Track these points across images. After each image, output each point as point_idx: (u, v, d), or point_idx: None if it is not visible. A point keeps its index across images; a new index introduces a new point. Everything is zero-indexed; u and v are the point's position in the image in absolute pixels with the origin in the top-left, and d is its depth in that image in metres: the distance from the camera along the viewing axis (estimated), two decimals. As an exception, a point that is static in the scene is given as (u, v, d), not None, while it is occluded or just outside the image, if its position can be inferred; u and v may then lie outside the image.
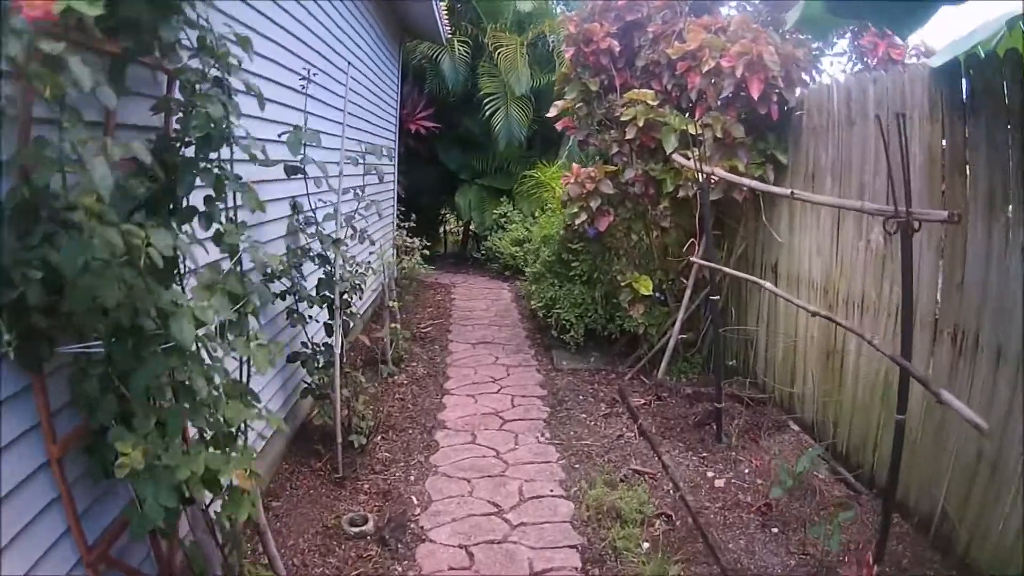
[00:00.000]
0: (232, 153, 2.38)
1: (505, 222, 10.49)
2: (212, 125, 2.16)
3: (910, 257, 2.68)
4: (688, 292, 5.43)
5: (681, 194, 5.20)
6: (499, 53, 10.06)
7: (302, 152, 3.41)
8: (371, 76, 7.54)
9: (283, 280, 3.69)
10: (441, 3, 8.98)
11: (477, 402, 5.35)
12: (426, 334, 7.48)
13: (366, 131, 7.27)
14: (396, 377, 5.85)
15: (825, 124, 4.42)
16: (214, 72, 2.27)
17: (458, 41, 10.39)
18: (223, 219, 2.39)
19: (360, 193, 4.42)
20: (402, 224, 8.57)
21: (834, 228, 4.25)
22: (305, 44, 4.54)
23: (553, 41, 10.15)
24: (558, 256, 6.83)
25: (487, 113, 10.28)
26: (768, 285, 3.96)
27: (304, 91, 3.92)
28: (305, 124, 3.55)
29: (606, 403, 5.30)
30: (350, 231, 4.34)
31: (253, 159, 2.37)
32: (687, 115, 5.23)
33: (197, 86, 2.20)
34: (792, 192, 3.68)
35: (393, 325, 6.29)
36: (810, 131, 4.65)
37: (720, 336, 4.62)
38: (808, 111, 4.68)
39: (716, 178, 4.71)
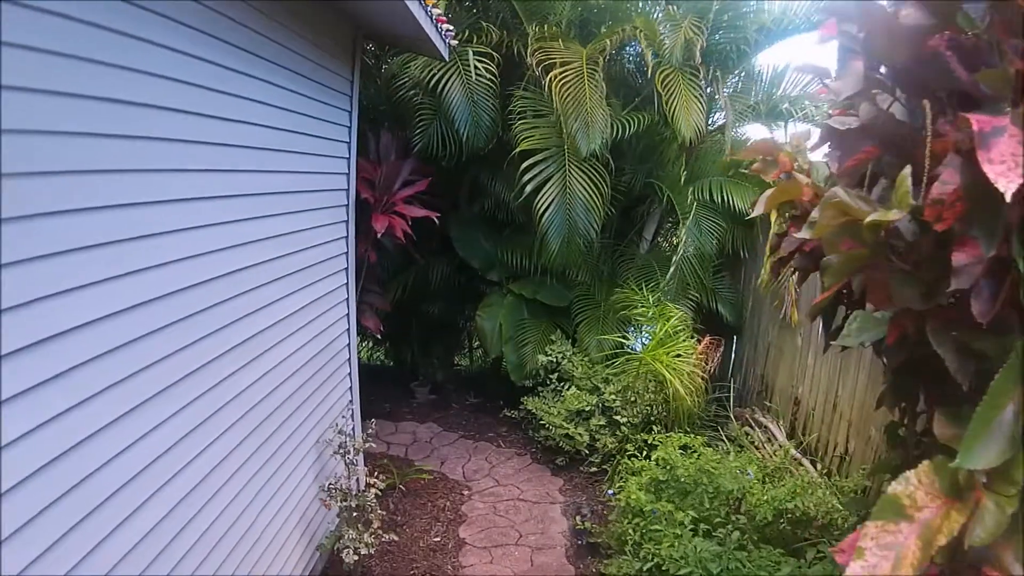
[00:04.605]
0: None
1: (557, 375, 5.93)
2: None
3: None
4: None
5: None
6: (553, 79, 5.48)
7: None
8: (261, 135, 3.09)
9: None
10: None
11: None
12: None
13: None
14: None
15: None
16: None
17: (475, 53, 5.84)
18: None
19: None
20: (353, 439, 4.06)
21: None
22: None
23: (655, 57, 5.41)
24: None
25: (527, 187, 5.72)
26: None
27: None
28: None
29: None
30: None
31: None
32: None
33: None
34: None
35: None
36: None
37: None
38: None
39: None
